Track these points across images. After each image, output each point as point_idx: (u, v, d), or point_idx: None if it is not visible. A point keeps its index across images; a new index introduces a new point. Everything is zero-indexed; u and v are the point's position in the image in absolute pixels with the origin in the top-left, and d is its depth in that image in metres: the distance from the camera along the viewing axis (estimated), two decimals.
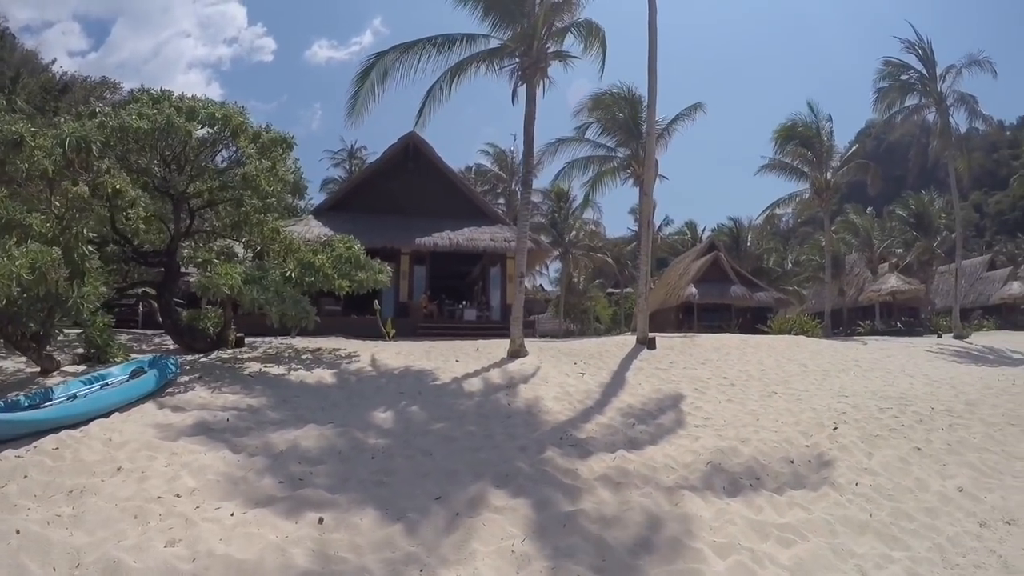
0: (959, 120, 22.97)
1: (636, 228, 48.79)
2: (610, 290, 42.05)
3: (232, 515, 3.93)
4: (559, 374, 9.60)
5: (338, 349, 11.79)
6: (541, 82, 12.33)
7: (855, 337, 22.09)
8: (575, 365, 10.61)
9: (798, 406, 8.17)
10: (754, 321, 27.67)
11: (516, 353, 11.06)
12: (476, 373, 9.45)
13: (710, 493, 4.86)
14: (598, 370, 10.26)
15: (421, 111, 12.82)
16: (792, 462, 5.75)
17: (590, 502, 4.46)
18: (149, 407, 6.63)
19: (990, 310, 34.27)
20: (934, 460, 6.18)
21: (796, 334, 19.60)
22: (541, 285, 54.24)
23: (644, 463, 5.43)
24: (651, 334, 13.78)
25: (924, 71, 22.75)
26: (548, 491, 4.58)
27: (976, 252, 55.33)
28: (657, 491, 4.76)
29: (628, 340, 14.08)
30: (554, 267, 37.84)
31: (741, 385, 9.58)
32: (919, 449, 6.46)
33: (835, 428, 6.91)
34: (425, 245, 19.65)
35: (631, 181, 19.82)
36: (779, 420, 7.34)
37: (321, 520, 3.89)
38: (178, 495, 4.21)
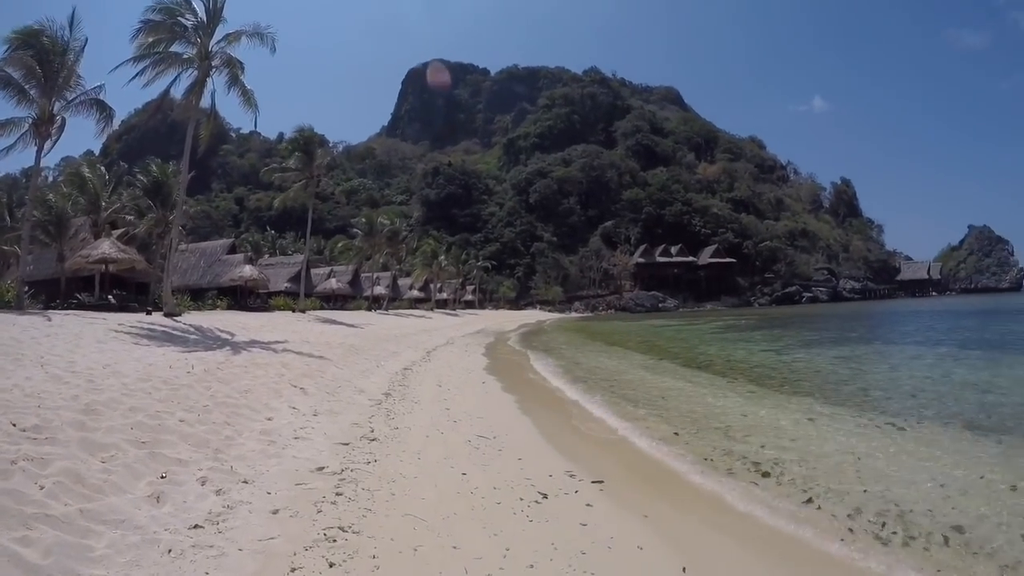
0: (219, 85, 21.16)
1: None
2: None
3: None
4: None
5: None
6: None
7: (48, 311, 18.68)
8: None
9: None
10: None
11: None
12: None
13: None
14: None
15: None
16: None
17: None
18: None
19: (225, 291, 36.99)
20: None
21: None
22: None
23: None
24: None
25: (205, 21, 19.98)
26: None
27: (225, 238, 64.26)
28: None
29: None
30: None
31: None
32: None
33: None
34: None
35: None
36: None
37: None
38: None
